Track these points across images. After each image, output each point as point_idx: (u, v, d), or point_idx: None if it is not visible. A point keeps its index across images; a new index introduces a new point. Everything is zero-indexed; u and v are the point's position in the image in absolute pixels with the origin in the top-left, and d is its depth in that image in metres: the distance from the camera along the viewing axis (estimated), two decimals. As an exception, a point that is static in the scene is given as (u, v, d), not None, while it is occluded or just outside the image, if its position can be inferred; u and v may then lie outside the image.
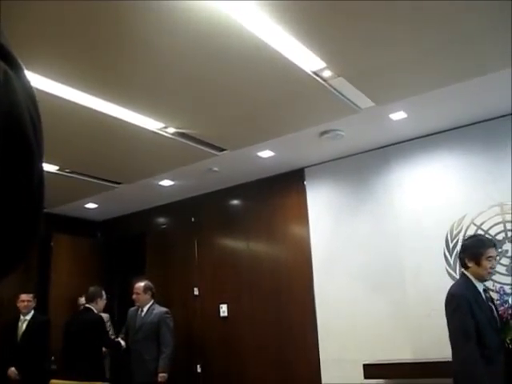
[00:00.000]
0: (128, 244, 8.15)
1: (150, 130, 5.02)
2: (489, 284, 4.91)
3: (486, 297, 3.74)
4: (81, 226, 8.16)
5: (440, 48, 3.81)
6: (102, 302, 6.06)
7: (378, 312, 5.59)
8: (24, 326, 6.34)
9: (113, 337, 6.51)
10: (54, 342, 6.43)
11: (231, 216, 7.05)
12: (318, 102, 4.64)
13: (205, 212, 7.29)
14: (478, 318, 3.52)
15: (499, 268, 4.97)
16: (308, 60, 3.91)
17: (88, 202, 7.50)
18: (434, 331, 5.20)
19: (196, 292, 7.12)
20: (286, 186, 6.58)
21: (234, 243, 7.00)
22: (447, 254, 5.30)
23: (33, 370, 6.06)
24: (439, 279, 5.24)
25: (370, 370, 5.10)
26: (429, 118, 5.23)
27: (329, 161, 6.25)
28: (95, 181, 6.46)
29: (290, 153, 5.97)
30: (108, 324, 6.74)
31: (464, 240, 4.29)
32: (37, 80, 3.77)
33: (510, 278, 4.94)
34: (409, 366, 5.04)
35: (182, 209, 7.51)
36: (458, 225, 5.30)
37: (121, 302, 7.79)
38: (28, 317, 6.40)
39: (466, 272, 3.78)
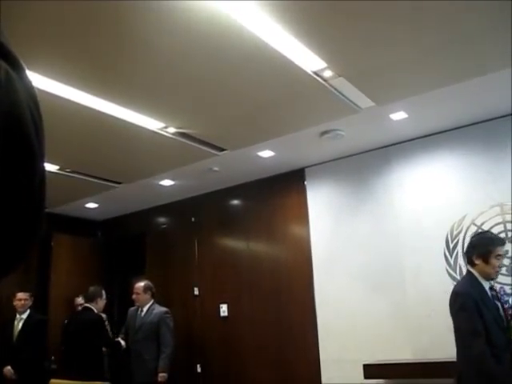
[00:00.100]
0: (128, 244, 8.15)
1: (151, 130, 5.02)
2: (489, 284, 4.92)
3: (492, 295, 3.64)
4: (81, 225, 8.16)
5: (440, 48, 3.81)
6: (102, 302, 6.06)
7: (378, 312, 5.59)
8: (20, 324, 6.32)
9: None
10: (54, 341, 6.43)
11: (231, 216, 7.05)
12: (318, 101, 4.64)
13: (205, 212, 7.29)
14: (484, 317, 3.43)
15: (500, 268, 4.96)
16: (308, 60, 3.91)
17: (88, 202, 7.50)
18: (434, 331, 5.21)
19: (196, 292, 7.12)
20: (287, 186, 6.58)
21: (234, 243, 7.00)
22: (447, 254, 5.30)
23: (29, 369, 6.05)
24: (439, 279, 5.25)
25: (370, 370, 5.10)
26: (429, 118, 5.23)
27: (329, 161, 6.25)
28: (95, 180, 6.46)
29: (291, 153, 5.96)
30: (105, 324, 6.73)
31: (472, 237, 4.16)
32: (37, 80, 3.77)
33: (510, 278, 4.94)
34: (409, 366, 5.04)
35: (182, 209, 7.51)
36: (459, 225, 5.30)
37: (121, 301, 7.78)
38: (24, 316, 6.38)
39: (472, 270, 3.68)
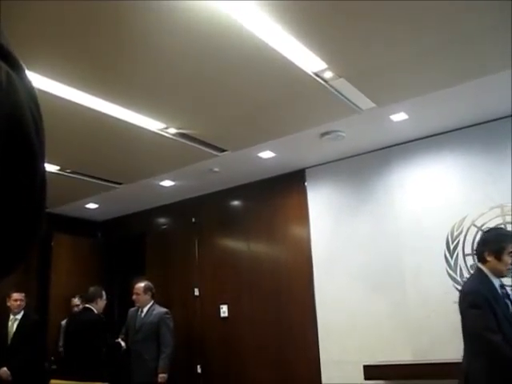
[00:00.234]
0: (128, 244, 8.14)
1: (151, 131, 5.03)
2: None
3: (502, 293, 3.51)
4: (81, 226, 8.16)
5: (440, 48, 3.81)
6: (102, 303, 6.04)
7: (378, 312, 5.58)
8: (15, 325, 6.25)
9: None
10: (53, 341, 6.42)
11: (232, 217, 7.05)
12: (318, 102, 4.64)
13: (205, 212, 7.28)
14: (497, 315, 3.33)
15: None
16: (309, 61, 3.91)
17: (89, 202, 7.50)
18: (435, 332, 5.20)
19: (196, 292, 7.12)
20: (287, 187, 6.58)
21: (234, 244, 7.00)
22: (448, 255, 5.29)
23: (26, 370, 6.02)
24: (439, 280, 5.25)
25: (371, 371, 5.09)
26: (429, 120, 5.23)
27: (330, 162, 6.25)
28: (96, 181, 6.47)
29: (291, 154, 5.96)
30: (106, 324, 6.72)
31: (484, 232, 4.04)
32: (37, 80, 3.77)
33: (510, 279, 4.93)
34: (409, 367, 5.04)
35: (183, 209, 7.51)
36: (459, 226, 5.29)
37: (121, 302, 7.78)
38: (18, 316, 6.31)
39: (482, 266, 3.56)
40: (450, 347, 5.04)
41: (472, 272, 5.09)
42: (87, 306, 5.97)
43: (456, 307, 4.99)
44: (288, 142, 5.53)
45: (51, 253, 7.53)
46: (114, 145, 5.38)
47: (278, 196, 6.62)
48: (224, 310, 6.81)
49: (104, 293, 6.10)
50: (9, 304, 6.32)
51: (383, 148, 5.88)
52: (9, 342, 6.17)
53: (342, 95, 4.53)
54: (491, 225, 5.09)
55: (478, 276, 3.58)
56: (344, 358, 5.69)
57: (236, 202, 7.09)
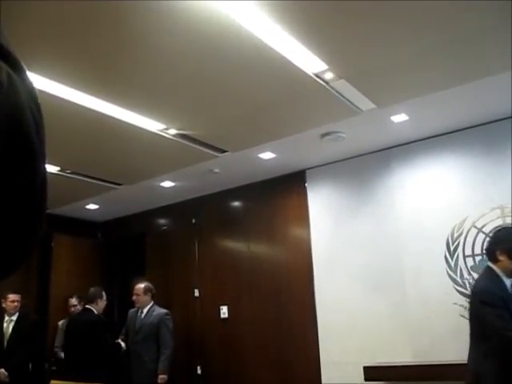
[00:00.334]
0: (128, 245, 8.15)
1: (151, 132, 5.02)
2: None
3: None
4: (81, 226, 8.16)
5: (440, 49, 3.80)
6: (102, 303, 6.05)
7: (378, 313, 5.58)
8: (10, 326, 6.20)
9: None
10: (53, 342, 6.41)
11: (232, 217, 7.05)
12: (319, 103, 4.64)
13: (205, 213, 7.28)
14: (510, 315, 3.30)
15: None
16: (309, 62, 3.91)
17: (89, 203, 7.50)
18: (435, 333, 5.20)
19: (196, 293, 7.12)
20: (287, 188, 6.57)
21: (234, 244, 7.00)
22: (448, 256, 5.29)
23: (24, 371, 6.00)
24: (440, 281, 5.24)
25: (371, 372, 5.08)
26: (430, 121, 5.22)
27: (330, 163, 6.24)
28: (96, 182, 6.47)
29: (291, 155, 5.96)
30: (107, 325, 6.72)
31: (496, 231, 3.95)
32: (37, 81, 3.77)
33: (510, 280, 4.92)
34: (409, 369, 5.02)
35: (183, 210, 7.51)
36: (460, 227, 5.29)
37: (121, 302, 7.78)
38: (14, 317, 6.26)
39: (493, 266, 3.51)
40: (450, 348, 5.04)
41: (470, 272, 5.11)
42: (87, 306, 5.97)
43: (456, 308, 5.03)
44: (288, 142, 5.53)
45: (51, 253, 7.53)
46: (114, 145, 5.38)
47: (279, 197, 6.62)
48: (224, 311, 6.80)
49: (104, 293, 6.10)
50: (4, 305, 6.26)
51: (383, 149, 5.87)
52: (5, 343, 6.12)
53: (343, 96, 4.53)
54: (491, 226, 5.09)
55: (489, 275, 3.52)
56: (344, 359, 5.68)
57: (236, 203, 7.09)
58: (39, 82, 3.80)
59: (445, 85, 4.42)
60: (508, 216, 5.02)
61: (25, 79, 0.57)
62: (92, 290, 6.08)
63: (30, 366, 6.34)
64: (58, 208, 7.37)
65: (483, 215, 5.16)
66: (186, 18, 3.22)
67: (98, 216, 8.16)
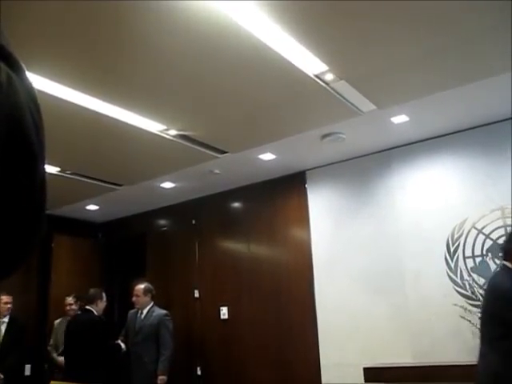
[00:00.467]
0: (129, 245, 8.15)
1: (151, 132, 5.02)
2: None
3: None
4: (81, 227, 8.17)
5: (440, 49, 3.80)
6: (102, 304, 6.05)
7: (379, 315, 5.57)
8: (3, 328, 6.13)
9: None
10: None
11: (232, 218, 7.04)
12: (319, 104, 4.64)
13: (206, 214, 7.28)
14: None
15: (500, 272, 4.95)
16: (310, 63, 3.91)
17: (89, 204, 7.50)
18: (435, 335, 5.19)
19: (196, 294, 7.11)
20: (288, 189, 6.57)
21: (234, 245, 6.99)
22: (448, 257, 5.28)
23: (18, 373, 5.96)
24: (440, 282, 5.24)
25: (371, 374, 5.07)
26: (430, 122, 5.22)
27: (330, 164, 6.25)
28: (96, 182, 6.47)
29: (292, 156, 5.96)
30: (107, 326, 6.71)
31: None
32: (37, 81, 3.77)
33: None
34: (409, 370, 5.02)
35: (183, 211, 7.51)
36: (460, 228, 5.28)
37: (121, 303, 7.78)
38: (6, 319, 6.20)
39: (509, 264, 3.47)
40: (450, 349, 5.04)
41: (470, 273, 5.11)
42: (87, 307, 5.97)
43: (456, 309, 5.03)
44: (288, 143, 5.53)
45: (51, 254, 7.54)
46: (115, 146, 5.38)
47: (279, 198, 6.62)
48: (224, 312, 6.80)
49: (104, 294, 6.10)
50: None
51: (384, 150, 5.87)
52: None
53: (343, 97, 4.53)
54: (492, 227, 5.09)
55: (506, 273, 3.48)
56: (344, 360, 5.68)
57: (236, 204, 7.09)
58: (39, 82, 3.80)
59: (445, 86, 4.42)
60: (508, 217, 5.01)
61: (24, 79, 0.58)
62: (92, 290, 6.08)
63: (30, 367, 6.32)
64: (59, 209, 7.37)
65: (483, 216, 5.16)
66: (185, 18, 3.22)
67: (98, 217, 8.17)
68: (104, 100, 4.35)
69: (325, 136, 5.39)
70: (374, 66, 4.02)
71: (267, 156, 5.91)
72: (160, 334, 5.87)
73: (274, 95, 4.40)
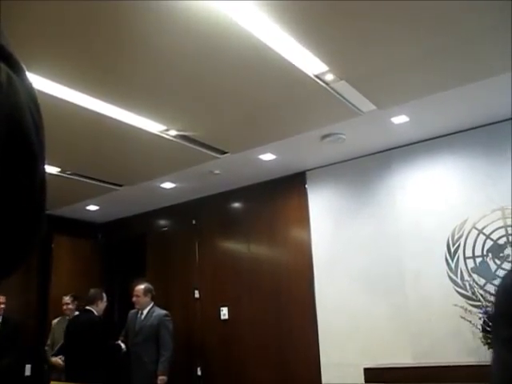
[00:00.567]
0: (129, 246, 8.15)
1: (152, 133, 5.02)
2: (490, 288, 4.90)
3: None
4: (82, 227, 8.17)
5: (440, 49, 3.80)
6: (102, 305, 6.04)
7: (379, 315, 5.57)
8: None
9: None
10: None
11: (232, 219, 7.04)
12: (319, 104, 4.64)
13: (206, 214, 7.28)
14: None
15: (500, 272, 4.94)
16: (310, 63, 3.91)
17: (89, 204, 7.50)
18: (435, 335, 5.19)
19: (197, 294, 7.11)
20: (288, 189, 6.57)
21: (235, 246, 6.99)
22: (448, 257, 5.28)
23: (14, 373, 5.94)
24: (440, 283, 5.23)
25: (371, 374, 5.06)
26: (430, 122, 5.22)
27: (330, 164, 6.24)
28: (96, 183, 6.47)
29: (292, 156, 5.96)
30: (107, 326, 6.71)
31: None
32: (37, 81, 3.77)
33: (511, 282, 4.91)
34: (409, 371, 5.01)
35: (183, 211, 7.51)
36: (460, 229, 5.28)
37: (121, 303, 7.78)
38: None
39: None
40: (450, 350, 5.04)
41: (471, 274, 5.10)
42: (87, 307, 5.96)
43: (457, 310, 5.01)
44: (289, 144, 5.53)
45: (52, 254, 7.54)
46: (115, 147, 5.38)
47: (279, 198, 6.62)
48: (224, 312, 6.80)
49: (104, 295, 6.10)
50: None
51: (384, 150, 5.87)
52: None
53: (343, 97, 4.53)
54: (492, 228, 5.09)
55: None
56: (344, 360, 5.67)
57: (236, 204, 7.09)
58: (39, 82, 3.80)
59: (445, 86, 4.42)
60: (509, 217, 5.01)
61: (24, 80, 0.57)
62: (92, 291, 6.08)
63: (30, 367, 6.31)
64: (59, 209, 7.37)
65: (484, 216, 5.15)
66: (185, 18, 3.22)
67: (98, 217, 8.16)
68: (104, 100, 4.35)
69: (325, 136, 5.39)
70: (374, 66, 4.02)
71: (267, 156, 5.91)
72: (160, 334, 5.87)
73: (274, 95, 4.40)
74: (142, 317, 6.03)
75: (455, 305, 5.06)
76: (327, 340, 5.90)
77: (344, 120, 5.01)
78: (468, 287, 5.09)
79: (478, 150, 5.30)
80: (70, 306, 6.72)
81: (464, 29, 3.54)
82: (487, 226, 5.13)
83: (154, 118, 4.78)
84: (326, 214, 6.21)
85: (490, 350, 4.63)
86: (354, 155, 6.02)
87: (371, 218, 5.85)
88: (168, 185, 6.73)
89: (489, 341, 4.61)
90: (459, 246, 5.25)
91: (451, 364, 4.76)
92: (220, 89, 4.24)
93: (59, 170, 5.92)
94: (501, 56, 3.90)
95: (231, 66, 3.86)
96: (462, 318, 4.94)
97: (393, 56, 3.88)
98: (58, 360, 6.32)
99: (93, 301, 5.96)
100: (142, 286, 6.11)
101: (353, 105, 4.68)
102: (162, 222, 7.85)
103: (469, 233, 5.24)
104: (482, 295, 4.96)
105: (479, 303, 4.92)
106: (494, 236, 5.08)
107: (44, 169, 0.58)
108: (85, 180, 6.33)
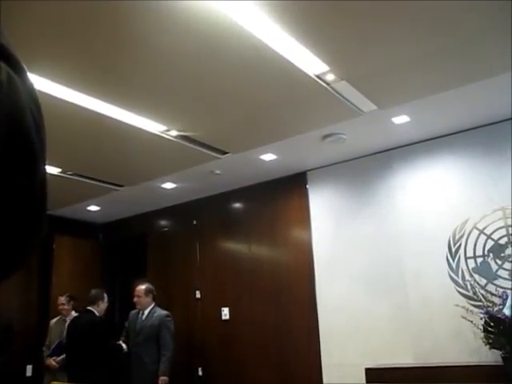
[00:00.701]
0: (129, 246, 8.15)
1: (152, 133, 5.02)
2: (491, 288, 4.90)
3: None
4: (82, 228, 8.17)
5: (440, 49, 3.79)
6: (103, 305, 6.05)
7: (380, 315, 5.56)
8: None
9: None
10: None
11: (233, 219, 7.04)
12: (320, 105, 4.64)
13: (206, 214, 7.28)
14: None
15: (501, 272, 4.94)
16: (311, 63, 3.91)
17: (90, 205, 7.51)
18: (436, 335, 5.18)
19: (197, 295, 7.11)
20: (289, 190, 6.57)
21: (235, 246, 6.99)
22: (449, 257, 5.27)
23: (9, 374, 5.93)
24: (441, 283, 5.23)
25: (372, 374, 5.07)
26: (431, 122, 5.22)
27: (331, 164, 6.24)
28: (97, 183, 6.47)
29: (293, 156, 5.96)
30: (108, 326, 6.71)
31: None
32: (37, 81, 3.77)
33: (511, 282, 4.91)
34: (410, 371, 5.00)
35: (184, 211, 7.51)
36: (461, 229, 5.27)
37: (122, 304, 7.78)
38: None
39: None
40: (451, 350, 5.03)
41: (472, 274, 5.10)
42: (89, 308, 5.97)
43: (458, 310, 5.01)
44: (289, 144, 5.52)
45: (52, 254, 7.54)
46: (115, 147, 5.38)
47: (280, 198, 6.62)
48: (225, 313, 6.79)
49: (106, 296, 6.11)
50: None
51: (385, 150, 5.87)
52: None
53: (344, 98, 4.53)
54: (493, 228, 5.09)
55: None
56: (345, 361, 5.67)
57: (237, 205, 7.08)
58: (39, 82, 3.80)
59: (445, 86, 4.42)
60: (509, 217, 5.01)
61: (25, 80, 0.57)
62: (93, 291, 6.09)
63: (31, 368, 6.30)
64: (59, 209, 7.37)
65: (485, 216, 5.15)
66: (185, 18, 3.22)
67: (99, 217, 8.17)
68: (104, 100, 4.35)
69: (326, 136, 5.39)
70: (374, 66, 4.02)
71: (268, 156, 5.91)
72: (161, 334, 5.87)
73: (274, 95, 4.40)
74: (143, 317, 6.03)
75: (456, 305, 5.05)
76: (328, 340, 5.90)
77: (345, 120, 5.01)
78: (469, 287, 5.09)
79: (478, 150, 5.30)
80: (66, 307, 6.72)
81: (464, 29, 3.54)
82: (488, 226, 5.13)
83: (154, 118, 4.78)
84: (326, 214, 6.21)
85: (492, 350, 4.63)
86: (355, 155, 6.01)
87: (372, 217, 5.84)
88: (169, 185, 6.73)
89: (490, 341, 4.61)
90: (460, 246, 5.25)
91: (452, 364, 4.76)
92: (220, 89, 4.24)
93: (60, 170, 5.93)
94: (501, 56, 3.89)
95: (231, 66, 3.86)
96: (463, 318, 4.93)
97: (393, 56, 3.88)
98: (52, 361, 6.33)
99: (94, 301, 5.97)
100: (143, 287, 6.11)
101: (353, 105, 4.68)
102: (163, 223, 7.85)
103: (470, 233, 5.23)
104: (483, 295, 4.96)
105: (480, 303, 4.91)
106: (495, 236, 5.08)
107: (45, 169, 0.58)
108: (85, 180, 6.33)
